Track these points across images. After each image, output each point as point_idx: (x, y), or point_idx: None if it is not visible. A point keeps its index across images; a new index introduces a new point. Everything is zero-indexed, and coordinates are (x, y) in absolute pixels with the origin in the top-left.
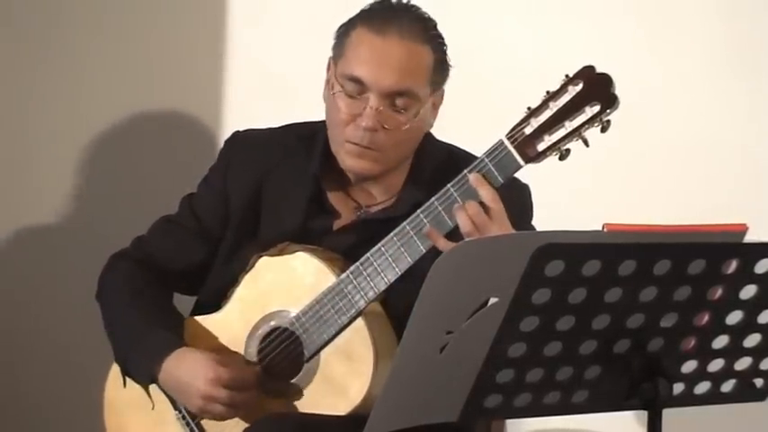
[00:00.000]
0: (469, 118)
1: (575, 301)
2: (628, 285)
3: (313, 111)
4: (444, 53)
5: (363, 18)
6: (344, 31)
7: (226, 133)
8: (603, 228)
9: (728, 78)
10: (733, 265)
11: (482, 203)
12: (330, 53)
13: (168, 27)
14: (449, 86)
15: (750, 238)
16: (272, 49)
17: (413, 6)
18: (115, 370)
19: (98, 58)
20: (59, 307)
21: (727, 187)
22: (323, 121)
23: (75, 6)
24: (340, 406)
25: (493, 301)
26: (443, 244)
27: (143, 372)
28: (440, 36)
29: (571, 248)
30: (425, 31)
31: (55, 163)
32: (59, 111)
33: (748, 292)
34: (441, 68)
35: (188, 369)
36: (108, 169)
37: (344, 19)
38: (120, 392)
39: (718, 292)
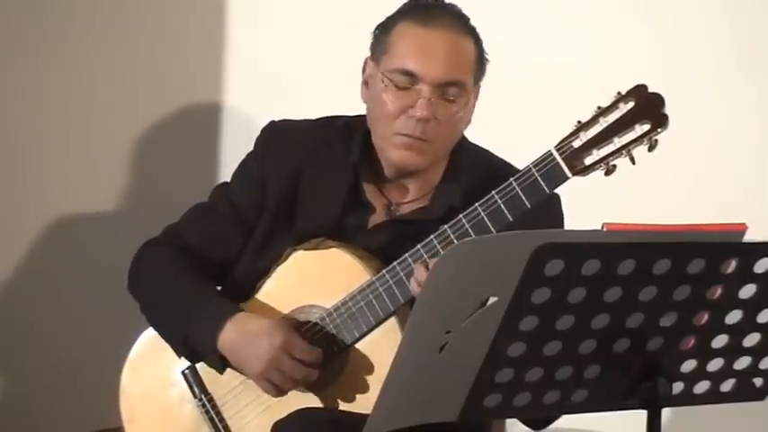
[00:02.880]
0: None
1: (574, 301)
2: (627, 285)
3: (313, 111)
4: (483, 48)
5: (405, 14)
6: (384, 29)
7: (225, 133)
8: (603, 227)
9: (729, 78)
10: (732, 265)
11: None
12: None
13: (167, 27)
14: None
15: (750, 237)
16: (271, 49)
17: (449, 4)
18: (132, 359)
19: (96, 58)
20: (59, 308)
21: (727, 187)
22: (359, 116)
23: (73, 6)
24: (365, 406)
25: (492, 300)
26: None
27: (205, 336)
28: (477, 31)
29: (570, 248)
30: (466, 24)
31: (53, 164)
32: (57, 111)
33: (748, 291)
34: (481, 62)
35: (255, 333)
36: (107, 169)
37: (343, 19)
38: (135, 381)
39: (718, 292)
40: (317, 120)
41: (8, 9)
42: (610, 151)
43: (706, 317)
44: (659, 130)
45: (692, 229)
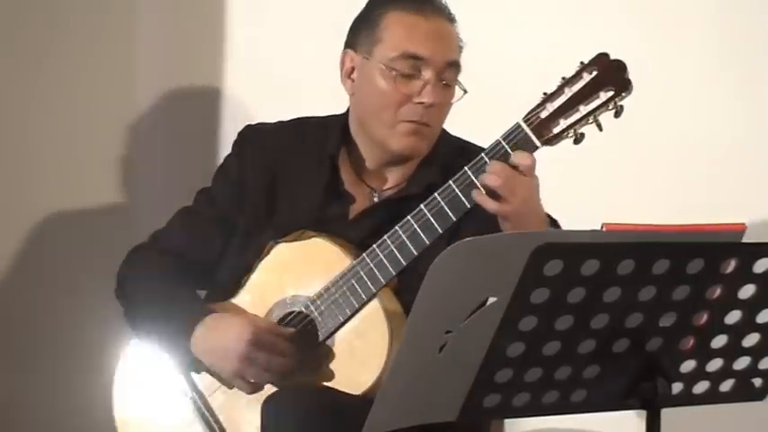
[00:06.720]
0: (465, 116)
1: (573, 301)
2: (626, 285)
3: (314, 109)
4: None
5: (392, 4)
6: (370, 21)
7: (226, 133)
8: (602, 227)
9: (728, 78)
10: (732, 265)
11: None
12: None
13: (168, 27)
14: None
15: (749, 237)
16: (272, 48)
17: None
18: (117, 392)
19: (97, 57)
20: (60, 309)
21: (727, 187)
22: (332, 115)
23: (75, 5)
24: (352, 388)
25: (492, 300)
26: (492, 205)
27: (177, 343)
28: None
29: (570, 248)
30: (449, 11)
31: (54, 164)
32: (57, 111)
33: (747, 291)
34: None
35: (225, 331)
36: (107, 170)
37: (344, 18)
38: (130, 413)
39: (717, 292)
40: (291, 120)
41: (11, 10)
42: (576, 119)
43: (705, 317)
44: (623, 94)
45: (691, 229)
